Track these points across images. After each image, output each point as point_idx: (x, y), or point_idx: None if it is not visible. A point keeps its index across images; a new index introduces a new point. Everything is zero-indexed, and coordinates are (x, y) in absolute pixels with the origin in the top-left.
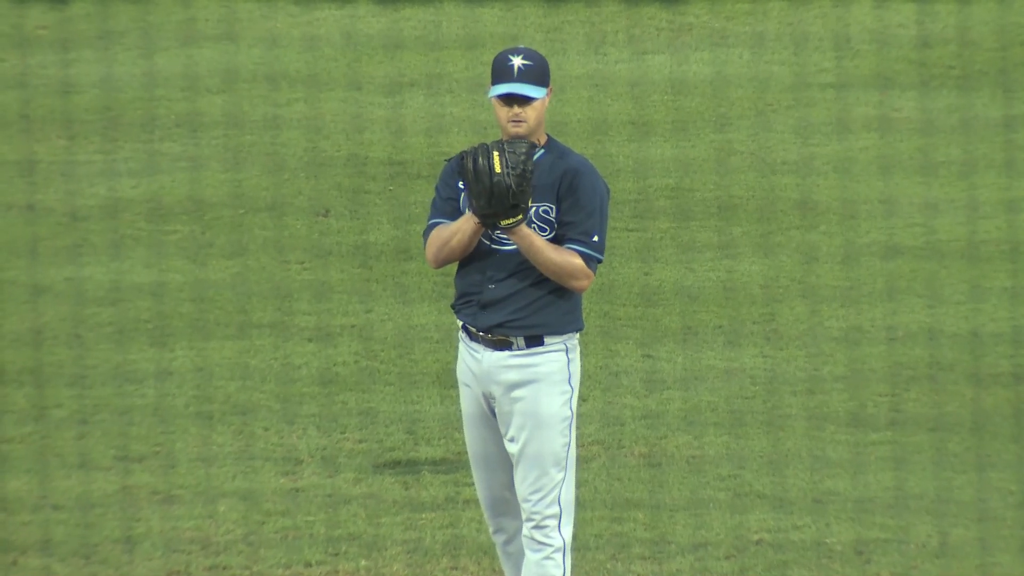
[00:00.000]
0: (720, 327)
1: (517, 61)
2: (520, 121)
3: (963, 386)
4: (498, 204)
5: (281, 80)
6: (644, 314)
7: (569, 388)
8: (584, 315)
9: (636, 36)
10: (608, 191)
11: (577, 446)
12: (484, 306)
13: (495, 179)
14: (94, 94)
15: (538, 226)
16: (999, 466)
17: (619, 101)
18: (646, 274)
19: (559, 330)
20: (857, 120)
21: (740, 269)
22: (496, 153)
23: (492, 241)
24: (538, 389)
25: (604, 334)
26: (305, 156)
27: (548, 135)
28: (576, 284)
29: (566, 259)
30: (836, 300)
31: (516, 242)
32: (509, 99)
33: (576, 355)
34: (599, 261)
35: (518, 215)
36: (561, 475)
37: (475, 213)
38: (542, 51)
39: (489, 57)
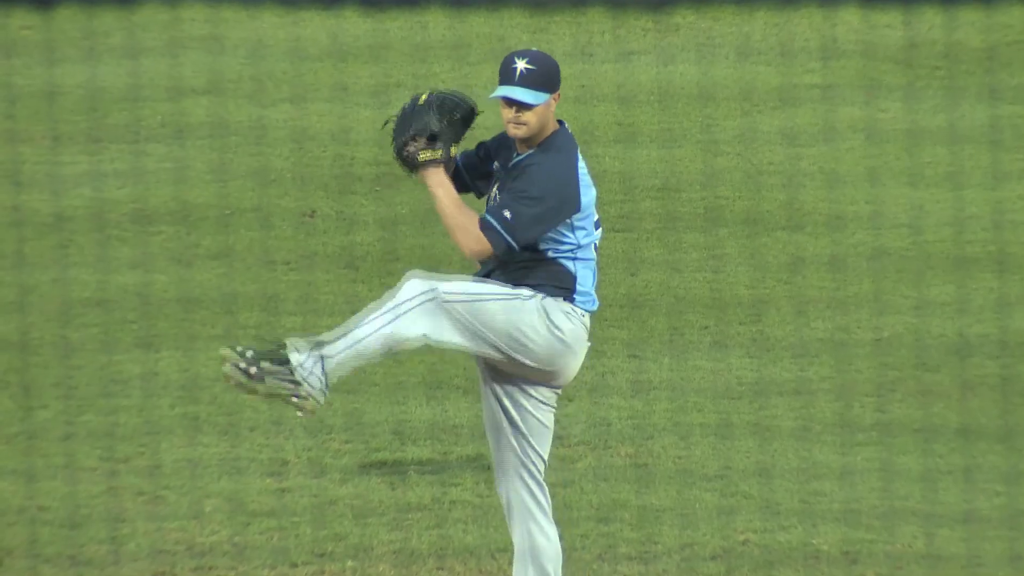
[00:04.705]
0: (707, 328)
1: (520, 64)
2: (520, 124)
3: (950, 388)
4: (416, 125)
5: (267, 82)
6: (631, 315)
7: (527, 292)
8: None
9: (622, 37)
10: (567, 190)
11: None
12: None
13: (416, 102)
14: (79, 96)
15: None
16: (985, 468)
17: (605, 102)
18: (632, 275)
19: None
20: (843, 122)
21: (727, 270)
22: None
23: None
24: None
25: (590, 335)
26: (291, 157)
27: (554, 136)
28: (462, 241)
29: (465, 216)
30: (822, 302)
31: (427, 183)
32: (509, 101)
33: (555, 301)
34: (501, 236)
35: (437, 151)
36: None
37: (396, 151)
38: None
39: (475, 59)
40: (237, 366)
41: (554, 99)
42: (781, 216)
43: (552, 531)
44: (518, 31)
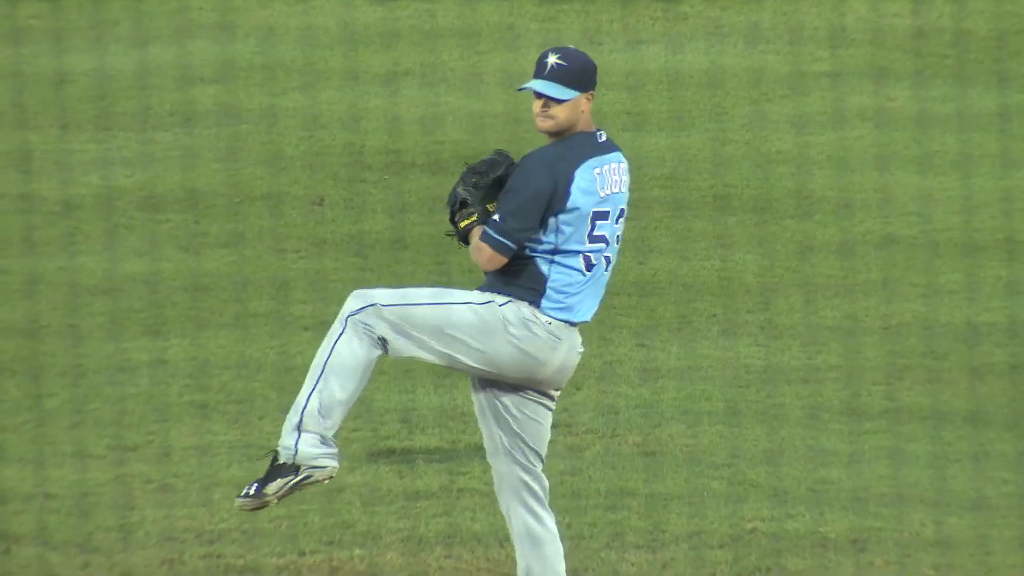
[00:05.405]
0: (715, 316)
1: (552, 59)
2: (548, 117)
3: (958, 376)
4: (450, 199)
5: (277, 69)
6: (639, 303)
7: (480, 297)
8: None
9: (631, 26)
10: (551, 177)
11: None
12: None
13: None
14: (87, 83)
15: None
16: (994, 455)
17: (614, 91)
18: (641, 263)
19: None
20: (852, 110)
21: (735, 259)
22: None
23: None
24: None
25: (599, 323)
26: (301, 145)
27: (575, 135)
28: (477, 261)
29: (473, 241)
30: (831, 290)
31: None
32: (537, 93)
33: (516, 307)
34: (495, 240)
35: (472, 215)
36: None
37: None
38: (536, 40)
39: (485, 47)
40: (242, 498)
41: (586, 99)
42: (790, 203)
43: (550, 521)
44: (527, 19)
